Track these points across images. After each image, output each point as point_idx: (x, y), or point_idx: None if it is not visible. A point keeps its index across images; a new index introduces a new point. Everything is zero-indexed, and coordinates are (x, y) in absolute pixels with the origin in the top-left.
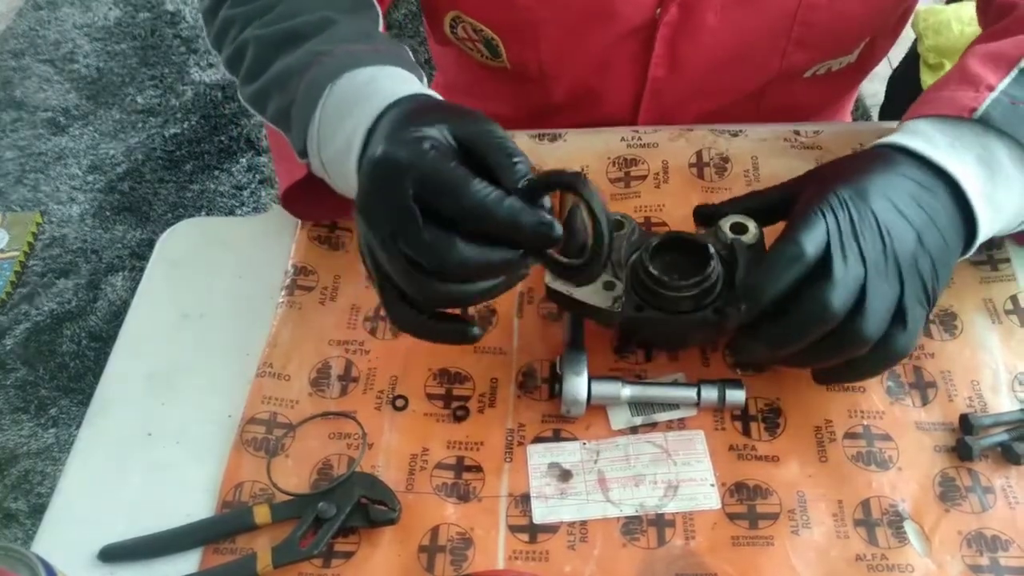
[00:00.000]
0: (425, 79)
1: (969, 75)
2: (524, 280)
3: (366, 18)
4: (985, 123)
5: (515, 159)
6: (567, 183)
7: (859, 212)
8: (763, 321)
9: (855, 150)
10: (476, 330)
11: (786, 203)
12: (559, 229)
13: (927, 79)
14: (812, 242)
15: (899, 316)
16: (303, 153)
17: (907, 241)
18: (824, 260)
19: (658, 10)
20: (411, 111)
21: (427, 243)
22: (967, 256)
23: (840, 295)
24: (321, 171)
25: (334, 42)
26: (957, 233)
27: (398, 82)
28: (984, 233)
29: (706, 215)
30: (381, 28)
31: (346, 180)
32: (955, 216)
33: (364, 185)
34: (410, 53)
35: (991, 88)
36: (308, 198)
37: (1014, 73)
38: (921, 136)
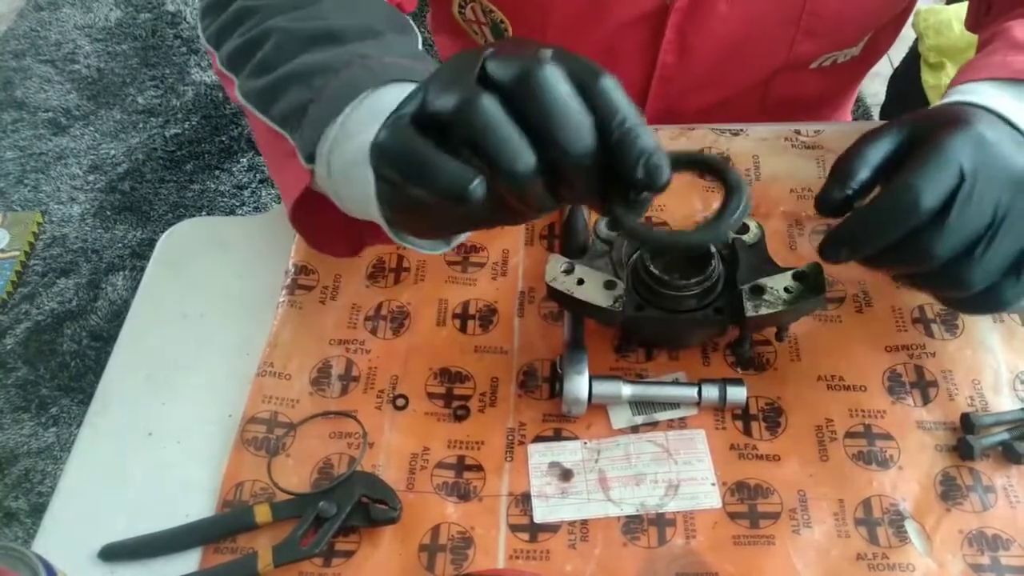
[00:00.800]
0: None
1: (1017, 43)
2: (526, 279)
3: (411, 38)
4: None
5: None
6: (709, 165)
7: (987, 159)
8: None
9: None
10: (479, 184)
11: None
12: (669, 177)
13: (928, 78)
14: (934, 192)
15: (1015, 269)
16: (310, 158)
17: None
18: (944, 206)
19: None
20: None
21: (533, 57)
22: None
23: (949, 244)
24: (326, 180)
25: (381, 50)
26: None
27: None
28: None
29: (841, 201)
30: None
31: (354, 188)
32: None
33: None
34: None
35: None
36: (319, 221)
37: None
38: (983, 96)
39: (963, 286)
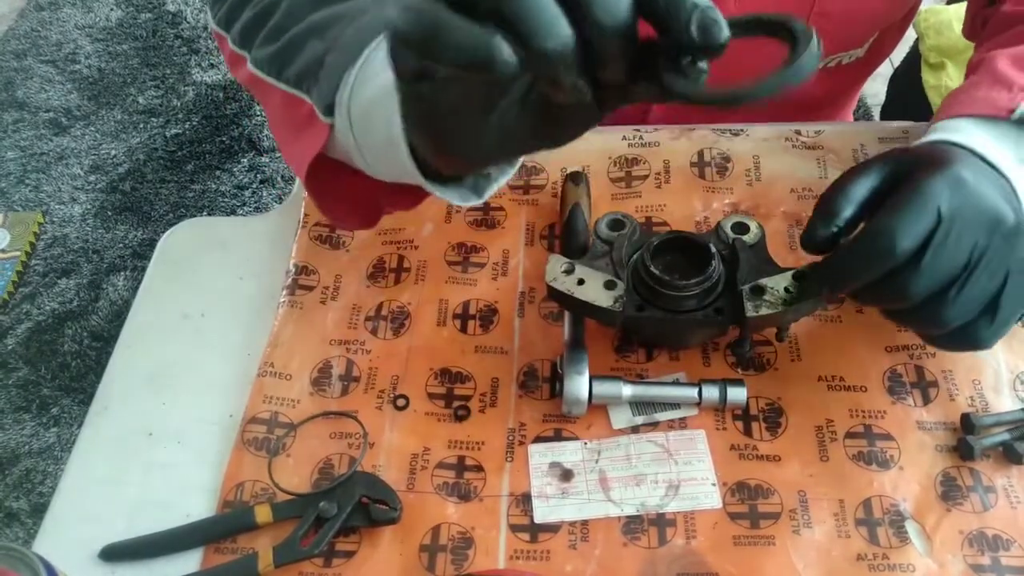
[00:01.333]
0: None
1: (1000, 77)
2: (526, 279)
3: None
4: (1021, 123)
5: None
6: (768, 23)
7: (964, 201)
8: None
9: (856, 150)
10: (507, 51)
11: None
12: (727, 35)
13: (928, 79)
14: (910, 235)
15: (990, 308)
16: (329, 109)
17: (1014, 234)
18: (921, 247)
19: None
20: None
21: None
22: None
23: (924, 284)
24: (346, 130)
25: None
26: None
27: None
28: None
29: (826, 239)
30: None
31: (374, 132)
32: None
33: None
34: None
35: None
36: (331, 186)
37: None
38: (965, 134)
39: (938, 324)
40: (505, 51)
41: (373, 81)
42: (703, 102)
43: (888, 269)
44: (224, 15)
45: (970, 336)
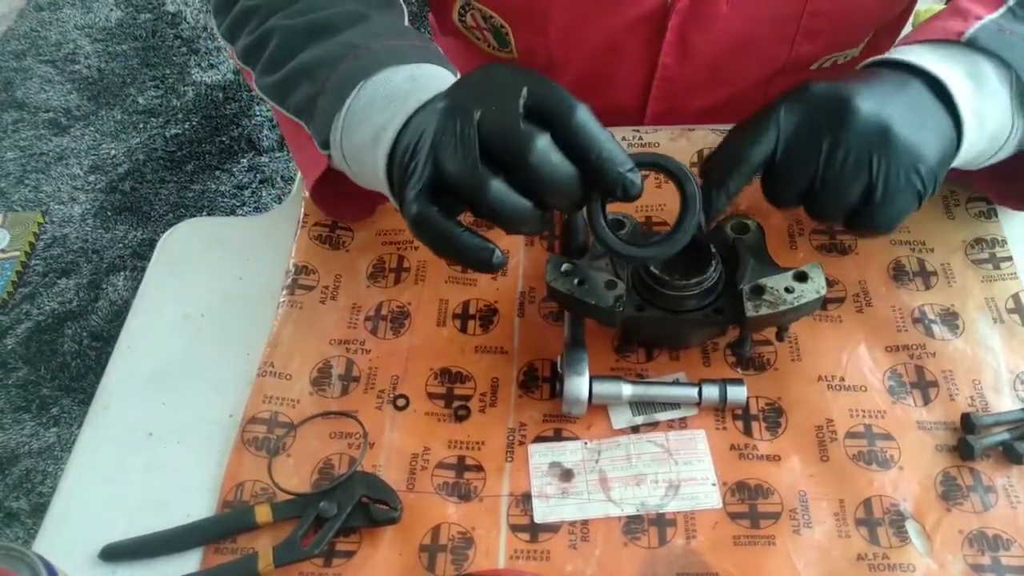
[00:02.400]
0: (459, 75)
1: (960, 9)
2: (526, 279)
3: (396, 14)
4: (973, 44)
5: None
6: (668, 171)
7: (806, 122)
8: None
9: None
10: (500, 255)
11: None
12: (641, 190)
13: None
14: (756, 154)
15: (868, 195)
16: (325, 144)
17: (880, 127)
18: (772, 160)
19: None
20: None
21: (523, 131)
22: (959, 163)
23: (785, 190)
24: (342, 162)
25: (369, 37)
26: (942, 125)
27: (440, 81)
28: (970, 140)
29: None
30: (406, 24)
31: (365, 170)
32: (938, 110)
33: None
34: (440, 50)
35: (980, 18)
36: (336, 193)
37: (1003, 9)
38: (906, 52)
39: (825, 215)
40: (499, 260)
41: (358, 130)
42: (612, 252)
43: (748, 177)
44: (227, 31)
45: (864, 222)
